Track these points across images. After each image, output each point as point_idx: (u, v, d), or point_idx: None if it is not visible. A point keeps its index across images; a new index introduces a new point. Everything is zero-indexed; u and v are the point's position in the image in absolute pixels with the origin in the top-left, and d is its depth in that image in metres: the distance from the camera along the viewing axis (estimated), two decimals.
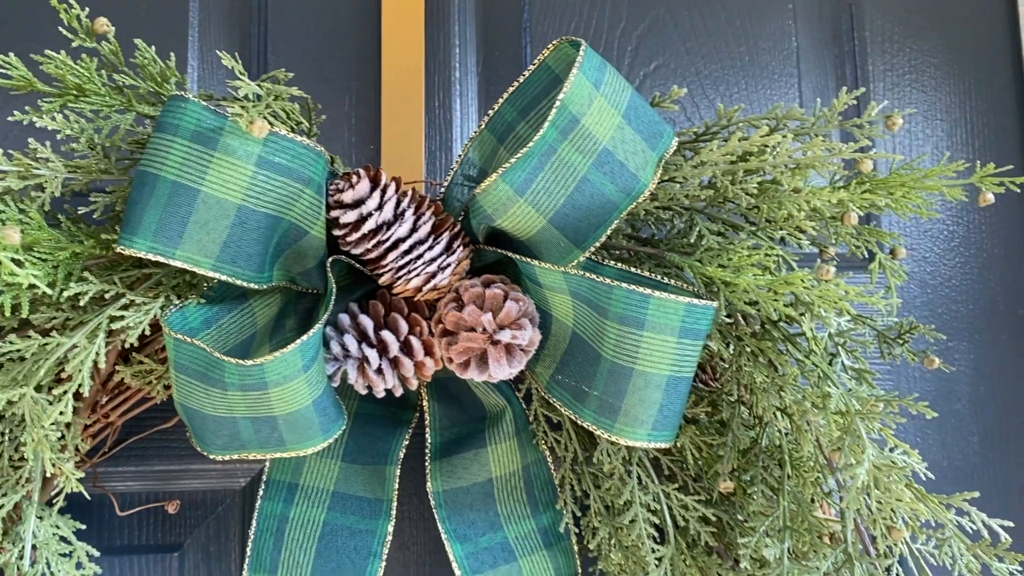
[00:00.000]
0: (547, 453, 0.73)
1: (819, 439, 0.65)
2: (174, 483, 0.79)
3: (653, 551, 0.67)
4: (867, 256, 0.87)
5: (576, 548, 0.74)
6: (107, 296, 0.59)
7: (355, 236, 0.63)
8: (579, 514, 0.73)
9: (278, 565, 0.68)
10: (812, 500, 0.67)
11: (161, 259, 0.56)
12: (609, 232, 0.64)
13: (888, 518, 0.63)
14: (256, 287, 0.61)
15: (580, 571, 0.74)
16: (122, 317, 0.59)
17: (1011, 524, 0.62)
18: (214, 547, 0.80)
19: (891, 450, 0.67)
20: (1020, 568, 0.60)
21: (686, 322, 0.60)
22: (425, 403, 0.74)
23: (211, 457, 0.63)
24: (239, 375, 0.57)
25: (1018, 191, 0.96)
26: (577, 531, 0.74)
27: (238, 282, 0.59)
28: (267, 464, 0.71)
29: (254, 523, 0.69)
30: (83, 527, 0.68)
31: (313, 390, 0.60)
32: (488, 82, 0.89)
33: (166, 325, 0.58)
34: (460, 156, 0.68)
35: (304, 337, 0.57)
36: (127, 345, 0.62)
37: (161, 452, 0.78)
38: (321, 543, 0.68)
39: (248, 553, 0.69)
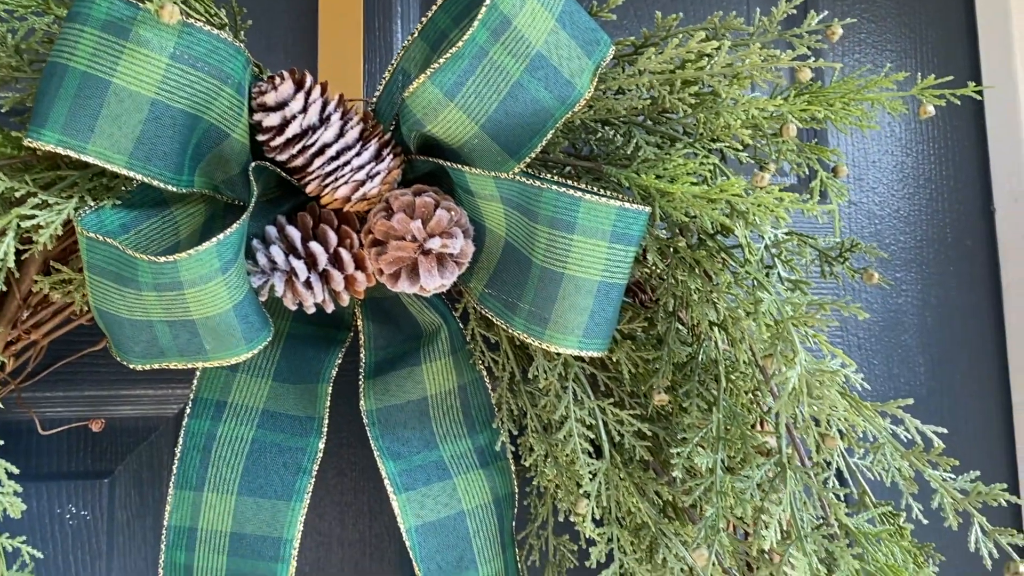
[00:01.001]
0: (484, 373, 0.72)
1: (753, 348, 0.64)
2: (105, 409, 0.77)
3: (588, 465, 0.66)
4: (808, 173, 0.86)
5: (513, 468, 0.73)
6: (18, 195, 0.57)
7: (279, 140, 0.62)
8: (516, 433, 0.72)
9: (204, 482, 0.67)
10: (748, 412, 0.66)
11: (72, 153, 0.54)
12: (545, 143, 0.63)
13: (823, 427, 0.62)
14: (176, 190, 0.59)
15: (516, 491, 0.73)
16: (33, 216, 0.57)
17: (944, 431, 0.61)
18: (146, 474, 0.78)
19: (831, 360, 0.66)
20: (952, 475, 0.60)
21: (617, 227, 0.59)
22: (359, 323, 0.72)
23: (132, 367, 0.61)
24: (152, 274, 0.55)
25: (968, 122, 0.95)
26: (514, 449, 0.73)
27: (155, 182, 0.57)
28: (195, 383, 0.69)
29: (180, 440, 0.67)
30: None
31: (233, 294, 0.58)
32: (430, 2, 0.87)
33: (79, 225, 0.56)
34: (392, 65, 0.66)
35: (220, 235, 0.55)
36: (42, 247, 0.60)
37: (91, 377, 0.76)
38: (249, 460, 0.67)
39: (174, 470, 0.67)
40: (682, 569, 0.65)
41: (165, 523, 0.67)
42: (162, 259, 0.54)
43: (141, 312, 0.57)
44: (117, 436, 0.78)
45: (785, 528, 0.61)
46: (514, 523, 0.73)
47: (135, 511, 0.77)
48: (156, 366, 0.61)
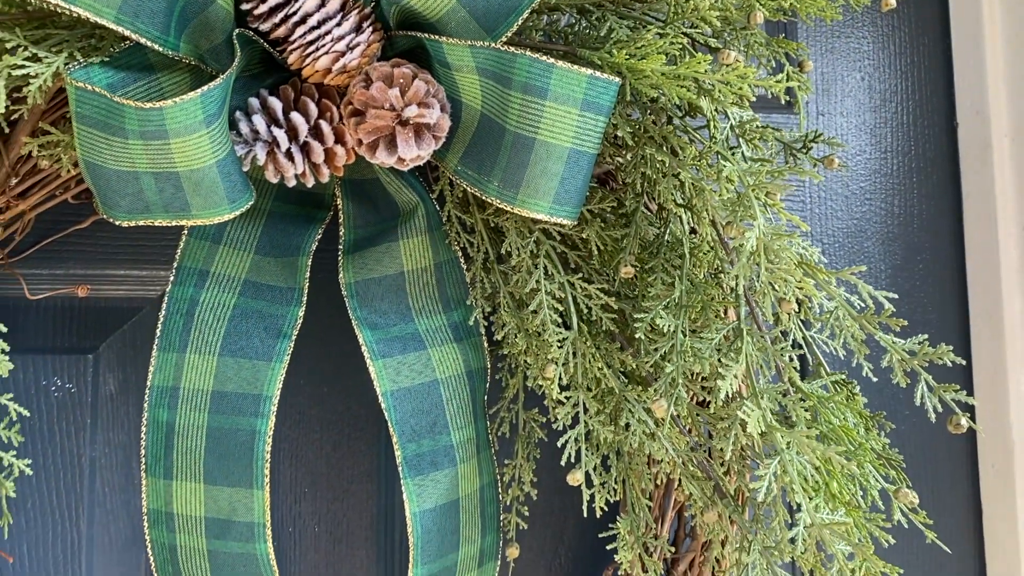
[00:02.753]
0: (459, 254, 0.75)
1: (715, 219, 0.67)
2: (90, 288, 0.79)
3: (556, 334, 0.69)
4: (775, 67, 0.89)
5: (486, 345, 0.76)
6: (8, 47, 0.59)
7: (263, 8, 0.64)
8: (489, 311, 0.75)
9: (187, 344, 0.69)
10: (710, 285, 0.69)
11: (61, 3, 0.56)
12: (521, 22, 0.65)
13: (781, 293, 0.65)
14: (162, 51, 0.61)
15: (489, 367, 0.76)
16: (23, 66, 0.59)
17: (895, 295, 0.64)
18: (129, 353, 0.80)
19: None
20: (901, 336, 0.63)
21: (588, 95, 0.61)
22: (339, 202, 0.75)
23: (118, 223, 0.63)
24: (139, 121, 0.57)
25: (934, 39, 0.98)
26: (487, 324, 0.76)
27: (143, 40, 0.59)
28: (177, 253, 0.71)
29: (164, 307, 0.70)
30: None
31: (216, 149, 0.60)
32: None
33: (68, 76, 0.58)
34: None
35: (205, 87, 0.58)
36: (31, 108, 0.62)
37: (77, 256, 0.78)
38: (231, 324, 0.69)
39: (157, 335, 0.69)
40: (644, 431, 0.68)
41: (148, 384, 0.69)
42: (148, 105, 0.56)
43: (128, 163, 0.59)
44: (102, 315, 0.80)
45: (739, 389, 0.65)
46: (486, 397, 0.76)
47: (118, 387, 0.80)
48: (142, 223, 0.63)
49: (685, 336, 0.65)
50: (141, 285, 0.80)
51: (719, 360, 0.63)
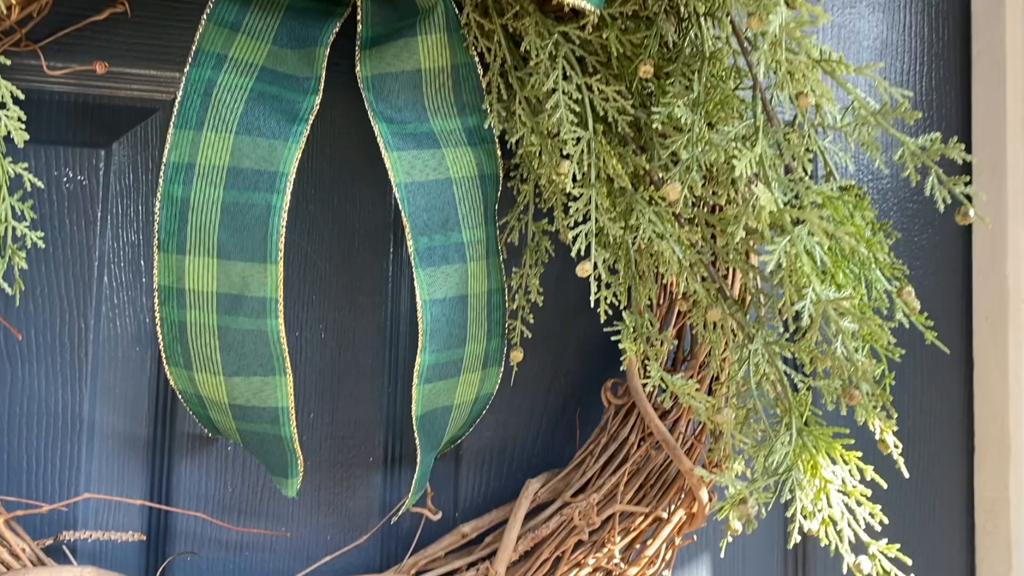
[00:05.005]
0: (476, 59, 0.75)
1: (735, 22, 0.67)
2: (105, 84, 0.79)
3: (572, 132, 0.69)
4: None
5: (500, 155, 0.76)
6: None
7: None
8: (504, 114, 0.75)
9: (204, 122, 0.69)
10: (728, 82, 0.69)
11: None
12: None
13: (799, 84, 0.65)
14: None
15: (501, 175, 0.76)
16: None
17: (910, 94, 0.65)
18: (141, 155, 0.80)
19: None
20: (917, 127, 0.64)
21: None
22: (358, 1, 0.74)
23: None
24: None
25: None
26: (501, 139, 0.76)
27: None
28: (196, 37, 0.71)
29: (180, 89, 0.70)
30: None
31: None
32: None
33: None
34: None
35: None
36: None
37: (93, 51, 0.78)
38: (248, 104, 0.69)
39: (174, 113, 0.69)
40: (655, 231, 0.69)
41: (164, 161, 0.69)
42: None
43: None
44: (116, 113, 0.80)
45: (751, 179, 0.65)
46: (497, 206, 0.77)
47: (129, 184, 0.80)
48: None
49: (701, 129, 0.66)
50: (157, 86, 0.80)
51: (735, 149, 0.63)
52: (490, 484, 0.85)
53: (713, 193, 0.72)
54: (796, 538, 0.62)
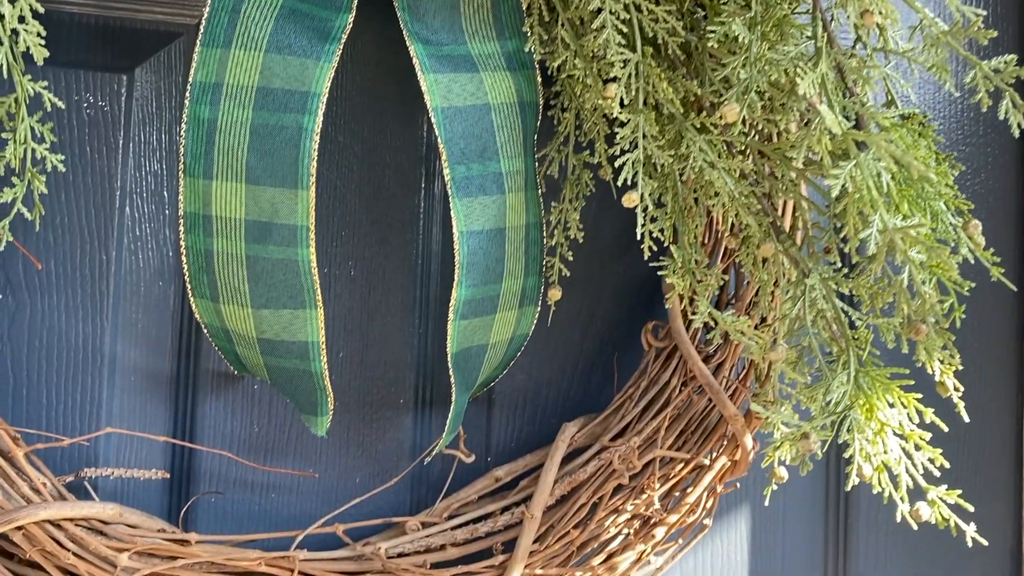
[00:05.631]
0: None
1: None
2: (126, 6, 0.75)
3: (619, 54, 0.65)
4: None
5: (540, 81, 0.73)
6: None
7: None
8: (545, 37, 0.71)
9: (232, 39, 0.65)
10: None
11: None
12: None
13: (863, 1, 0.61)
14: None
15: (541, 102, 0.73)
16: None
17: (983, 12, 0.61)
18: (164, 81, 0.77)
19: None
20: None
21: None
22: None
23: None
24: None
25: None
26: (541, 66, 0.73)
27: None
28: None
29: (208, 4, 0.66)
30: None
31: None
32: None
33: None
34: None
35: None
36: None
37: None
38: (278, 22, 0.66)
39: (200, 31, 0.66)
40: (706, 160, 0.66)
41: (190, 81, 0.66)
42: None
43: None
44: (138, 36, 0.76)
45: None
46: (536, 137, 0.73)
47: (152, 111, 0.76)
48: None
49: (760, 49, 0.62)
50: (181, 9, 0.76)
51: (796, 69, 0.60)
52: (523, 428, 0.82)
53: (767, 120, 0.68)
54: (854, 480, 0.59)
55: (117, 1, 0.75)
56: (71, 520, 0.65)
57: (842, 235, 0.61)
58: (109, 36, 0.76)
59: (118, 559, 0.65)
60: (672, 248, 0.68)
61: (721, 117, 0.65)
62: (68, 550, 0.64)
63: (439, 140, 0.67)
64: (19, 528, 0.64)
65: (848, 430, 0.59)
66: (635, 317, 0.83)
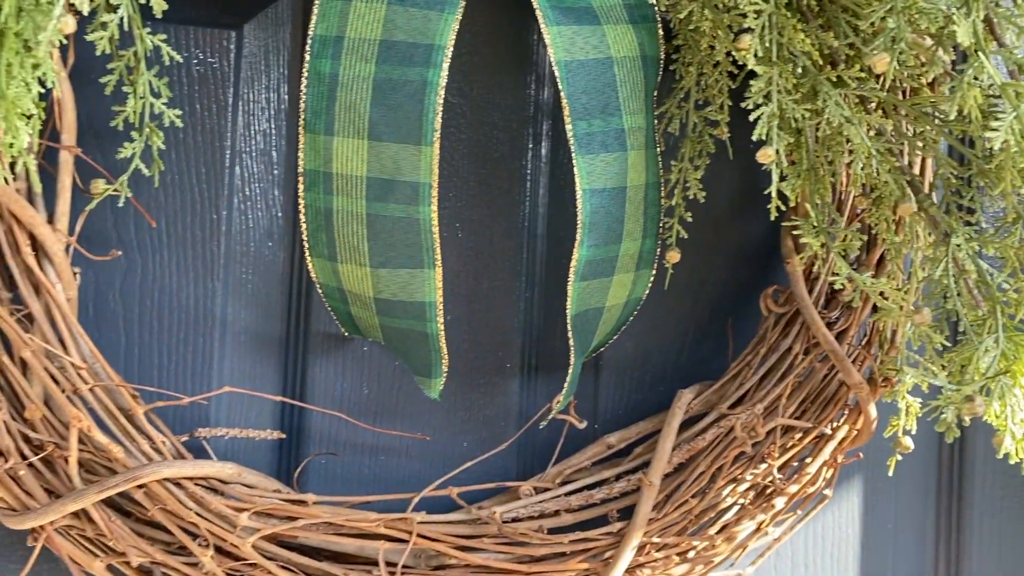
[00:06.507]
0: None
1: None
2: None
3: (752, 3, 0.63)
4: None
5: (662, 35, 0.70)
6: None
7: None
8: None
9: (348, 11, 0.64)
10: None
11: None
12: None
13: None
14: None
15: (662, 57, 0.70)
16: None
17: None
18: (273, 38, 0.76)
19: None
20: None
21: None
22: None
23: None
24: None
25: None
26: (663, 10, 0.70)
27: None
28: None
29: None
30: None
31: None
32: None
33: None
34: None
35: None
36: None
37: None
38: None
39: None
40: (842, 115, 0.63)
41: (311, 34, 0.64)
42: None
43: None
44: None
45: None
46: (656, 93, 0.71)
47: (261, 69, 0.75)
48: None
49: None
50: None
51: (952, 12, 0.57)
52: (631, 395, 0.80)
53: (906, 74, 0.65)
54: (1008, 447, 0.56)
55: None
56: (191, 479, 0.65)
57: (997, 191, 0.58)
58: None
59: (238, 519, 0.64)
60: (807, 207, 0.65)
61: (861, 69, 0.62)
62: (189, 508, 0.64)
63: (562, 94, 0.65)
64: (141, 486, 0.64)
65: (999, 396, 0.57)
66: (748, 283, 0.81)
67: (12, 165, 0.63)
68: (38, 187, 0.66)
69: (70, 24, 0.56)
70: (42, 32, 0.54)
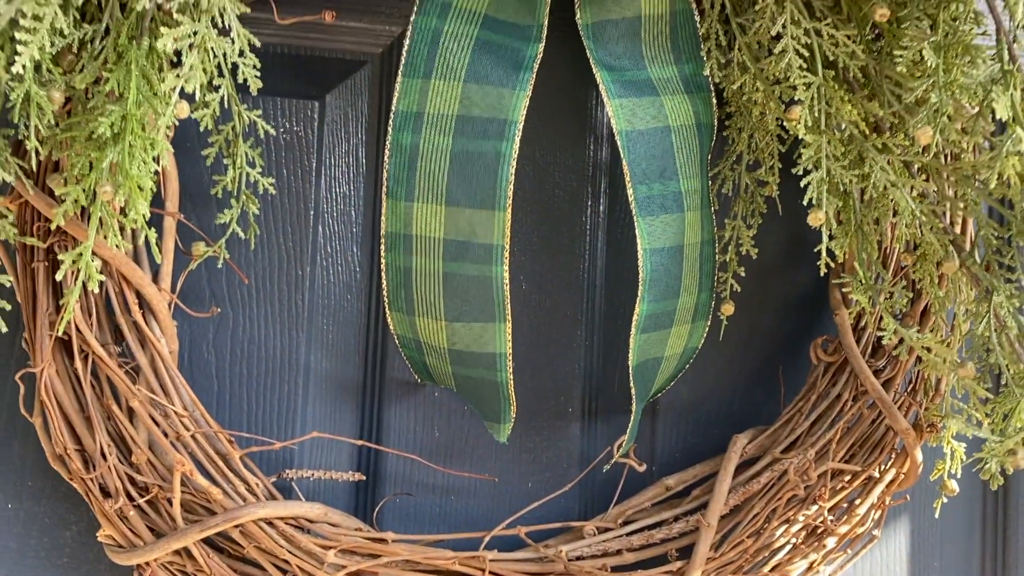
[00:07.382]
0: (693, 5, 0.74)
1: None
2: (316, 36, 0.80)
3: (802, 77, 0.68)
4: None
5: (715, 103, 0.75)
6: None
7: None
8: (723, 62, 0.74)
9: (432, 70, 0.70)
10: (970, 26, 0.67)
11: None
12: None
13: None
14: None
15: (716, 124, 0.75)
16: None
17: None
18: (352, 108, 0.82)
19: None
20: None
21: None
22: None
23: None
24: None
25: None
26: (717, 82, 0.75)
27: None
28: None
29: (408, 39, 0.71)
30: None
31: None
32: None
33: None
34: None
35: None
36: None
37: (309, 3, 0.80)
38: (474, 53, 0.70)
39: (402, 62, 0.70)
40: (888, 180, 0.67)
41: (393, 110, 0.70)
42: None
43: None
44: (327, 65, 0.81)
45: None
46: (710, 157, 0.76)
47: (341, 136, 0.81)
48: None
49: (949, 72, 0.63)
50: (366, 38, 0.81)
51: (989, 89, 0.61)
52: (687, 439, 0.85)
53: (948, 141, 0.69)
54: None
55: (308, 32, 0.81)
56: (283, 519, 0.70)
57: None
58: (301, 65, 0.81)
59: (325, 556, 0.69)
60: (856, 265, 0.69)
61: (906, 136, 0.67)
62: (282, 546, 0.69)
63: (623, 162, 0.71)
64: (238, 526, 0.69)
65: None
66: (797, 333, 0.85)
67: (121, 230, 0.69)
68: (159, 257, 0.71)
69: (184, 109, 0.62)
70: (160, 118, 0.60)
